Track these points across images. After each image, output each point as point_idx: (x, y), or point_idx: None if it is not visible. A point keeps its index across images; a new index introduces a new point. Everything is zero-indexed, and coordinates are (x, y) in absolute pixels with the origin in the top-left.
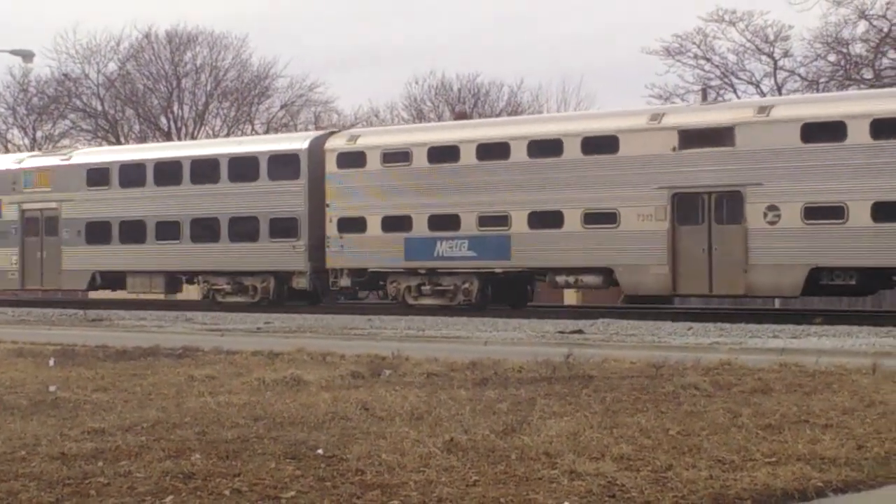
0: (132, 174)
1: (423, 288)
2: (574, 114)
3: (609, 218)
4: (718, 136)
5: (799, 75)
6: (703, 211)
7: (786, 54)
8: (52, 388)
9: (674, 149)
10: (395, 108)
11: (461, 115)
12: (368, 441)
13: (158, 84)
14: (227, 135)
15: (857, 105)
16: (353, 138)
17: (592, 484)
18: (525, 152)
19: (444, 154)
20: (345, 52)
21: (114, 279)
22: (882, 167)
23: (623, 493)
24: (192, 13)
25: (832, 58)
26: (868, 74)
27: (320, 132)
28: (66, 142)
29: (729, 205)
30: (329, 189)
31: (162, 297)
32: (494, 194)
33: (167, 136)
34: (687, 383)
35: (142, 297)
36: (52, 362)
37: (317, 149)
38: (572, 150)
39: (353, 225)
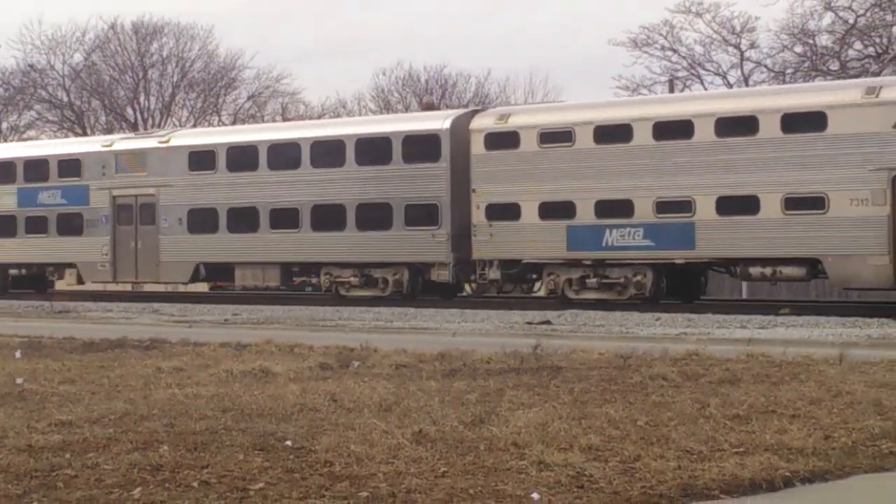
0: (242, 157)
1: (587, 281)
2: (771, 88)
3: (815, 203)
4: None
5: (766, 66)
6: None
7: (752, 46)
8: (18, 381)
9: (895, 126)
10: (363, 100)
11: (429, 107)
12: (337, 432)
13: (124, 75)
14: (195, 125)
15: None
16: (504, 117)
17: (561, 474)
18: (712, 131)
19: (613, 134)
20: (312, 44)
21: (220, 271)
22: None
23: (591, 484)
24: (158, 4)
25: (798, 49)
26: (834, 66)
27: (461, 111)
28: (31, 133)
29: None
30: (476, 173)
31: (272, 288)
32: (675, 178)
33: (134, 128)
34: (655, 374)
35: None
36: (18, 354)
37: (460, 129)
38: (770, 129)
39: (504, 212)
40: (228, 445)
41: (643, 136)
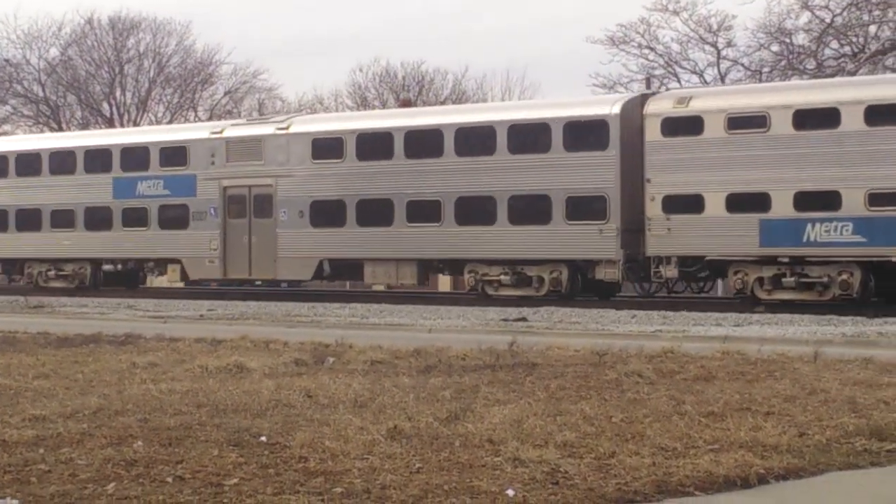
0: (374, 144)
1: (783, 280)
2: None
3: None
4: None
5: (742, 65)
6: None
7: (729, 44)
8: None
9: None
10: (340, 96)
11: (406, 104)
12: (312, 428)
13: (101, 70)
14: (171, 121)
15: None
16: (684, 101)
17: (536, 471)
18: None
19: (817, 119)
20: (289, 39)
21: (346, 268)
22: None
23: (566, 480)
24: None
25: (775, 48)
26: (810, 65)
27: (630, 95)
28: (6, 128)
29: None
30: (651, 161)
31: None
32: (893, 167)
33: (109, 123)
34: (630, 371)
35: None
36: None
37: (631, 114)
38: None
39: (684, 204)
40: (203, 441)
41: (853, 120)
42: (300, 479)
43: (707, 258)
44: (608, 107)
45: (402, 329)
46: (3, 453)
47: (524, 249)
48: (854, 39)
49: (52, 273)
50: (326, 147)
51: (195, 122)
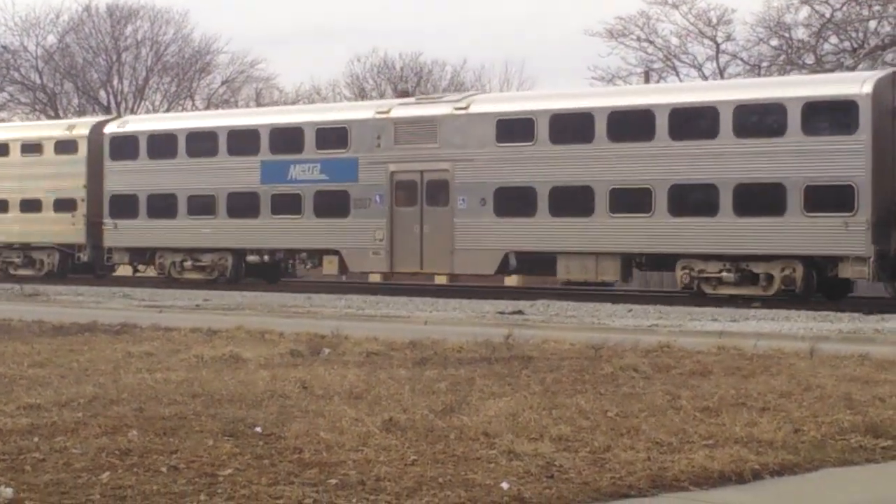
0: (571, 127)
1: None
2: None
3: None
4: None
5: (741, 59)
6: None
7: (728, 38)
8: None
9: None
10: (338, 86)
11: (403, 95)
12: (307, 419)
13: (98, 58)
14: (168, 110)
15: None
16: None
17: (531, 464)
18: None
19: None
20: (286, 29)
21: (536, 262)
22: None
23: (561, 474)
24: None
25: (774, 42)
26: (810, 59)
27: (881, 72)
28: (3, 115)
29: None
30: None
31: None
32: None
33: (106, 111)
34: (626, 365)
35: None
36: None
37: (883, 93)
38: None
39: None
40: (198, 431)
41: None
42: (295, 470)
43: None
44: (857, 86)
45: (398, 321)
46: None
47: (751, 244)
48: (853, 35)
49: (187, 264)
50: (514, 129)
51: (192, 111)
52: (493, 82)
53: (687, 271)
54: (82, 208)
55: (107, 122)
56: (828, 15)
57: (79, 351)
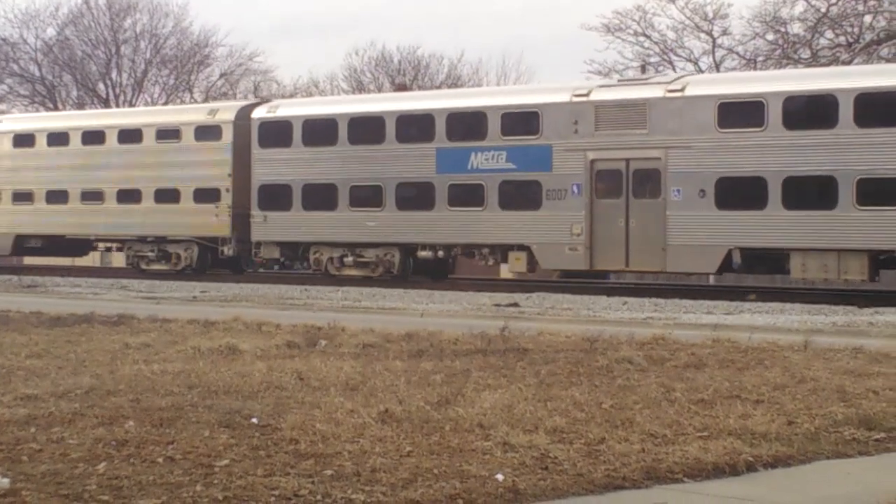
0: (808, 111)
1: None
2: None
3: None
4: None
5: (737, 53)
6: None
7: (724, 32)
8: None
9: None
10: (335, 80)
11: (401, 88)
12: (303, 411)
13: (97, 50)
14: (166, 103)
15: None
16: None
17: (525, 456)
18: None
19: None
20: (284, 22)
21: (764, 259)
22: None
23: (556, 466)
24: None
25: (770, 37)
26: (805, 54)
27: None
28: (2, 107)
29: None
30: None
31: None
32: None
33: (105, 104)
34: (621, 357)
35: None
36: None
37: None
38: None
39: None
40: (194, 422)
41: None
42: (291, 461)
43: None
44: None
45: (394, 313)
46: None
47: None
48: (849, 29)
49: (348, 259)
50: (739, 113)
51: (190, 104)
52: (490, 75)
53: None
54: (227, 199)
55: (253, 106)
56: (823, 10)
57: (76, 342)
